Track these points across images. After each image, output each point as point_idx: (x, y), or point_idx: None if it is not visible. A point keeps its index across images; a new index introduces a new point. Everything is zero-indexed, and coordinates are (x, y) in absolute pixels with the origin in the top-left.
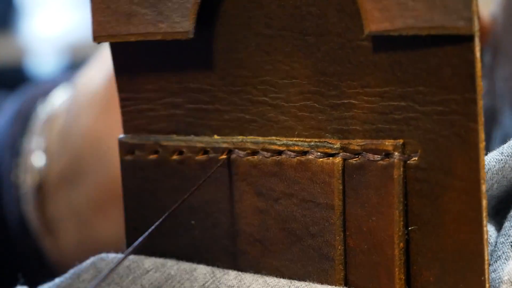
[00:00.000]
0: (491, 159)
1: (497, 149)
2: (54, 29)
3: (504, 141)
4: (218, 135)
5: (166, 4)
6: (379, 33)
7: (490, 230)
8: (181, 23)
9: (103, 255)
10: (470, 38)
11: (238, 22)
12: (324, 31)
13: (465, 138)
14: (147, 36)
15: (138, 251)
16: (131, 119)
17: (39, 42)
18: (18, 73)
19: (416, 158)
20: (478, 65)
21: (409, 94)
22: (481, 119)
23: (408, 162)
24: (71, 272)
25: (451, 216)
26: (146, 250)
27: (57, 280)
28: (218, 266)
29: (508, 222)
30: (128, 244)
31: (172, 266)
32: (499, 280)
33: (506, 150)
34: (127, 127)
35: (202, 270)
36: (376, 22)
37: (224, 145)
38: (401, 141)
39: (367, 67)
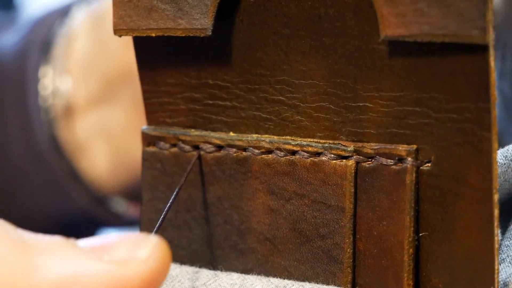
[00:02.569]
0: None
1: (501, 151)
2: None
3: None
4: (234, 132)
5: (186, 1)
6: (394, 38)
7: None
8: (200, 20)
9: None
10: (484, 48)
11: (257, 20)
12: (341, 33)
13: (478, 147)
14: (166, 31)
15: None
16: (153, 111)
17: None
18: None
19: (429, 165)
20: (492, 74)
21: (424, 100)
22: (495, 129)
23: (421, 168)
24: None
25: (462, 224)
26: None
27: None
28: (225, 263)
29: None
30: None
31: (175, 269)
32: (503, 283)
33: (510, 153)
34: (150, 119)
35: (205, 272)
36: (392, 27)
37: (239, 143)
38: (414, 146)
39: (383, 71)
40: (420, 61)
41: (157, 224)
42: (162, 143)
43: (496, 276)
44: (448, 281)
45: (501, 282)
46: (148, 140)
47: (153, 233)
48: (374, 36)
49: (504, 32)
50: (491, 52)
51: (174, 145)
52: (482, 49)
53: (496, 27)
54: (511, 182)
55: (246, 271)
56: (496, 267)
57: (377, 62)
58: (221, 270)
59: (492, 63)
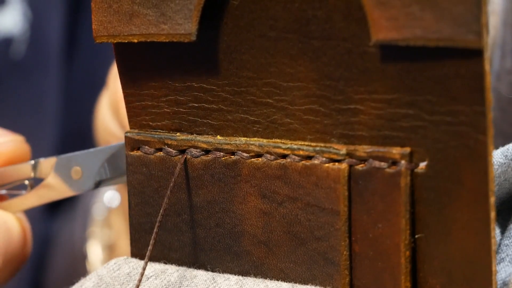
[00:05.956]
0: (495, 162)
1: (501, 150)
2: None
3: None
4: (221, 135)
5: (169, 5)
6: (386, 42)
7: None
8: (183, 25)
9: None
10: (479, 51)
11: (242, 23)
12: (330, 35)
13: (474, 150)
14: (149, 37)
15: (143, 254)
16: (136, 114)
17: None
18: None
19: (424, 167)
20: (488, 78)
21: (417, 102)
22: (490, 132)
23: (415, 170)
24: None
25: (458, 226)
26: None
27: None
28: (221, 265)
29: None
30: (132, 240)
31: (173, 273)
32: (502, 282)
33: (510, 152)
34: (132, 122)
35: (202, 277)
36: (383, 31)
37: (227, 147)
38: (408, 149)
39: (374, 73)
40: (413, 64)
41: (152, 238)
42: (146, 148)
43: (493, 277)
44: (446, 282)
45: (501, 281)
46: (132, 144)
47: (151, 241)
48: (365, 39)
49: (503, 32)
50: (486, 55)
51: (159, 149)
52: (477, 52)
53: (495, 27)
54: (511, 182)
55: (242, 273)
56: (493, 269)
57: (368, 64)
58: (219, 273)
59: (487, 66)
